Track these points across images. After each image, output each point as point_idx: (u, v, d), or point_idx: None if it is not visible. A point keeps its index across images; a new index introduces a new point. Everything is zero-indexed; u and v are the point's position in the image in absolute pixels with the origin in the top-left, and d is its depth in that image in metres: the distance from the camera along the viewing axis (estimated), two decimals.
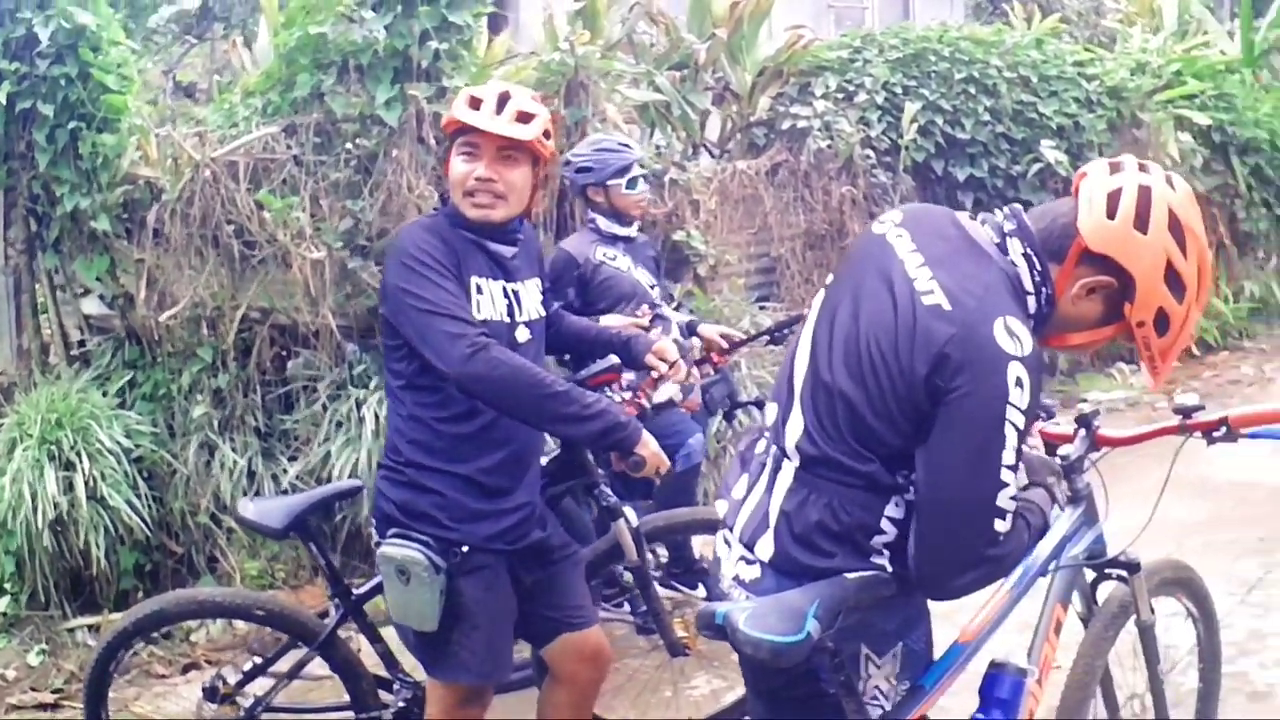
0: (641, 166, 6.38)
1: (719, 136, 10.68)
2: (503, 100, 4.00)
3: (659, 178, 8.65)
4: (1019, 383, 2.81)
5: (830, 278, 3.26)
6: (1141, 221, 2.94)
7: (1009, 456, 2.84)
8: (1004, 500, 2.88)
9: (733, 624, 2.88)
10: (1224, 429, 3.80)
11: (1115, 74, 12.37)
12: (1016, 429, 2.83)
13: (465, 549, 4.01)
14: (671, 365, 4.75)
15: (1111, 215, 2.94)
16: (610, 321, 5.92)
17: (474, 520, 4.03)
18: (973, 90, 11.04)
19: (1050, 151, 11.05)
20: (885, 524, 3.03)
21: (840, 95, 10.59)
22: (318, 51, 7.10)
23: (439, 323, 3.82)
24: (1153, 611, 4.04)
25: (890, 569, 3.04)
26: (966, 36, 11.67)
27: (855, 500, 3.01)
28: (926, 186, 10.93)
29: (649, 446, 4.07)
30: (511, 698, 4.82)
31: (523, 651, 4.62)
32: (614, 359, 4.77)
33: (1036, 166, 11.18)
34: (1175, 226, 2.97)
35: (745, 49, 10.40)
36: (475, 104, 3.99)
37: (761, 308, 9.11)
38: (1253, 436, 3.83)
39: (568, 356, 5.77)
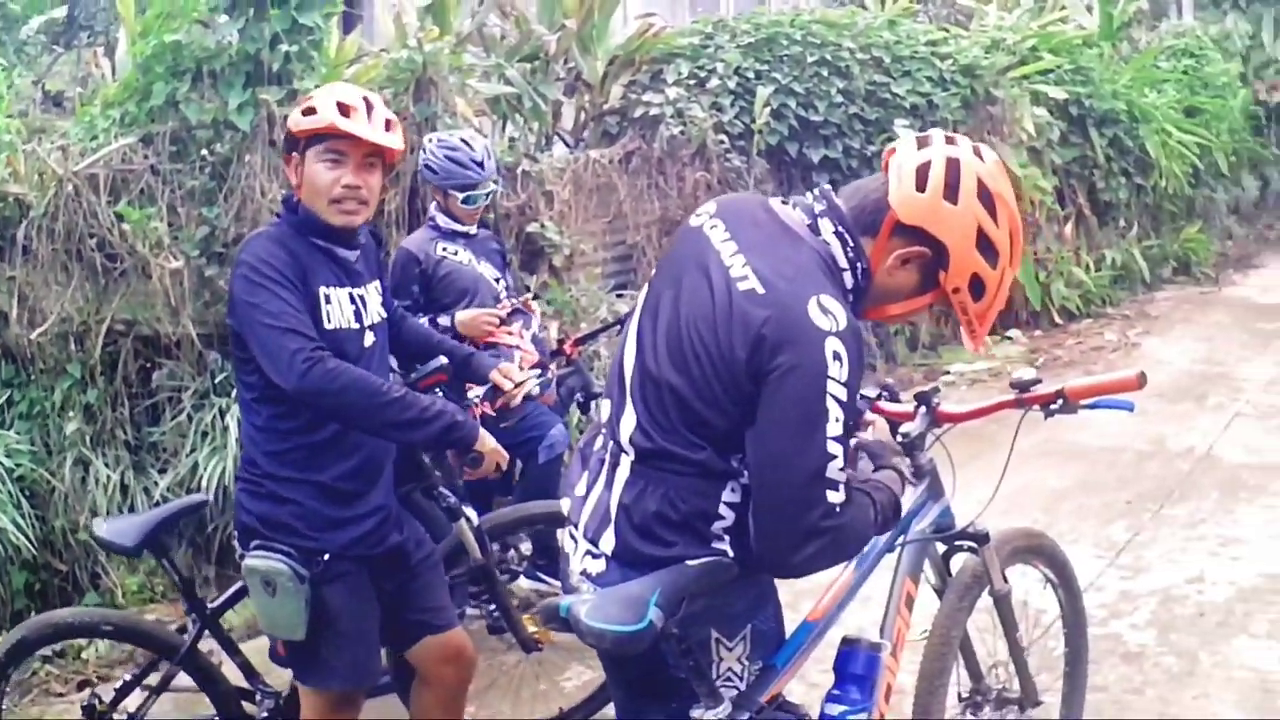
0: (495, 183, 6.33)
1: (572, 126, 10.61)
2: (369, 107, 3.97)
3: (512, 170, 8.57)
4: (836, 356, 2.85)
5: (654, 273, 3.30)
6: (951, 192, 3.02)
7: (834, 429, 2.86)
8: (834, 471, 2.89)
9: (575, 616, 2.90)
10: (1061, 401, 3.86)
11: (969, 52, 12.49)
12: (839, 401, 2.86)
13: (327, 557, 3.98)
14: (517, 385, 4.86)
15: (921, 188, 3.03)
16: (465, 316, 5.96)
17: (334, 528, 4.00)
18: (825, 73, 11.03)
19: (904, 131, 11.04)
20: (723, 509, 3.04)
21: (692, 81, 10.54)
22: (173, 59, 7.05)
23: (276, 336, 3.79)
24: (1006, 580, 4.08)
25: (731, 553, 3.05)
26: (819, 20, 11.69)
27: (691, 488, 3.02)
28: (781, 169, 10.94)
29: (487, 444, 4.11)
30: (375, 702, 4.73)
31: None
32: (443, 360, 4.78)
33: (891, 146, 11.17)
34: (985, 195, 3.05)
35: (596, 38, 10.36)
36: (346, 111, 3.94)
37: (619, 295, 9.07)
38: (1091, 407, 3.90)
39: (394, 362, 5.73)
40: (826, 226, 3.07)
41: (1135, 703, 5.47)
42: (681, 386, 2.99)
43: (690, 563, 2.99)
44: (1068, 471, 8.52)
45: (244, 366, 3.99)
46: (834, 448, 2.87)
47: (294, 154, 4.01)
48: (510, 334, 5.97)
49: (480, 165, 6.14)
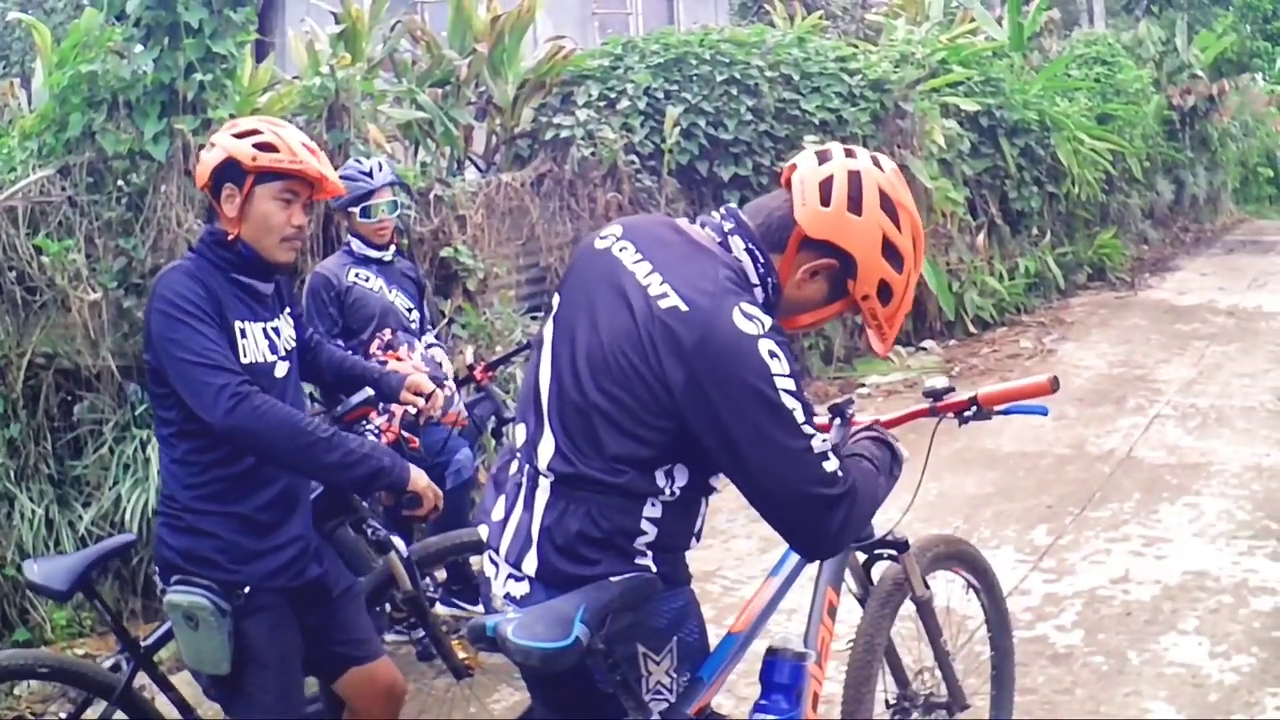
0: (395, 191, 6.28)
1: (483, 150, 10.56)
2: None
3: (424, 195, 8.53)
4: (772, 354, 2.91)
5: (557, 298, 3.30)
6: (855, 204, 3.08)
7: (800, 415, 2.93)
8: (819, 445, 2.97)
9: (502, 635, 2.88)
10: (974, 408, 3.89)
11: (878, 67, 12.52)
12: (791, 393, 2.92)
13: (247, 590, 3.93)
14: (428, 397, 4.78)
15: (826, 203, 3.08)
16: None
17: (253, 560, 3.95)
18: (735, 91, 11.03)
19: (814, 147, 11.03)
20: (645, 525, 3.05)
21: (602, 103, 10.52)
22: (89, 89, 6.98)
23: (201, 373, 3.74)
24: (928, 587, 4.10)
25: (655, 568, 3.07)
26: (728, 39, 11.68)
27: (613, 506, 3.04)
28: (692, 187, 10.94)
29: (419, 483, 4.06)
30: None
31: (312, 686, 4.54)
32: (368, 392, 4.72)
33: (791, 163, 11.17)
34: (887, 204, 3.12)
35: (507, 62, 10.31)
36: (314, 154, 3.97)
37: (534, 318, 9.02)
38: (1005, 413, 3.93)
39: (316, 394, 5.65)
40: (737, 244, 3.11)
41: (1066, 703, 5.49)
42: (610, 410, 3.00)
43: (614, 579, 2.99)
44: (987, 478, 8.56)
45: (162, 401, 3.94)
46: (808, 429, 2.94)
47: (231, 185, 3.91)
48: (399, 359, 5.90)
49: (368, 174, 6.14)
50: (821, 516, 2.97)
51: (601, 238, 3.24)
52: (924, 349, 12.65)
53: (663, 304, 2.97)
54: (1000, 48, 15.23)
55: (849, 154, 3.17)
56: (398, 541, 4.65)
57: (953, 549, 4.38)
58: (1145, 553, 7.15)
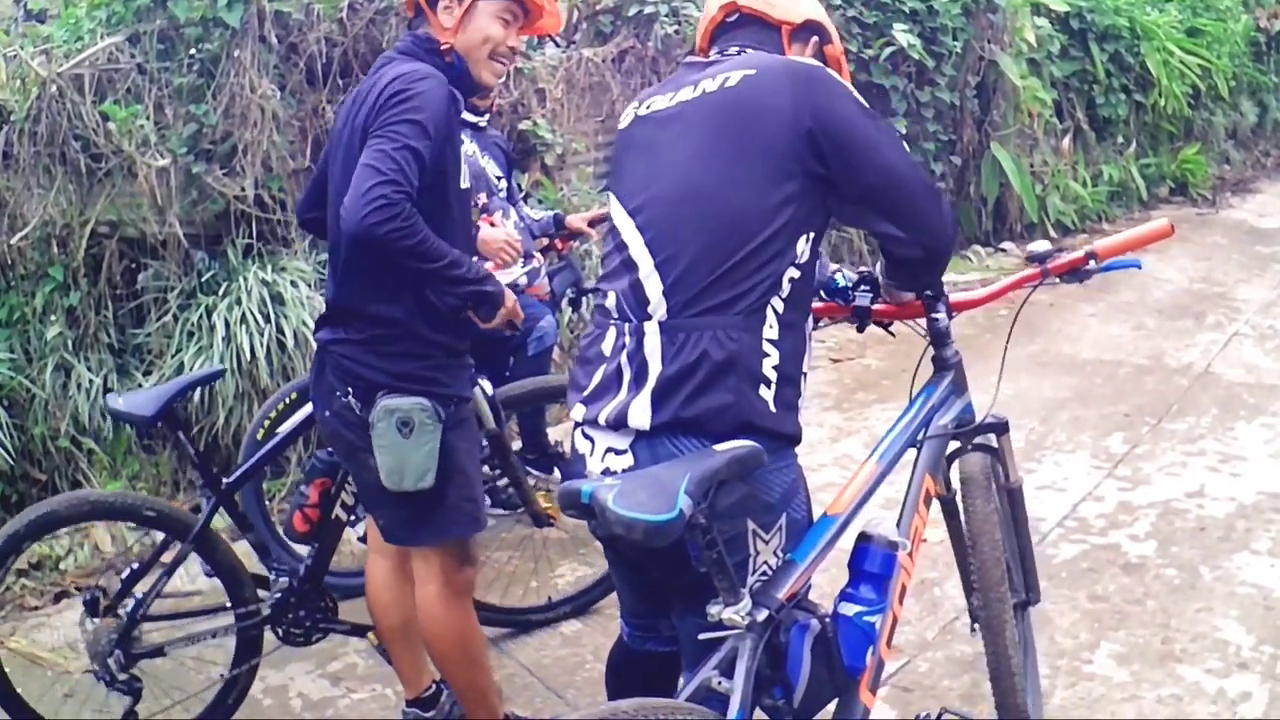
0: None
1: (565, 25, 10.36)
2: None
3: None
4: (838, 80, 3.20)
5: (609, 172, 3.50)
6: None
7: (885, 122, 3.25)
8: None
9: (601, 503, 2.62)
10: (1092, 261, 3.73)
11: None
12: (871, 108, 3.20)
13: (457, 401, 4.01)
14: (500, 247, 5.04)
15: None
16: (486, 235, 5.79)
17: (458, 375, 4.05)
18: None
19: (903, 35, 10.95)
20: (767, 346, 3.01)
21: None
22: None
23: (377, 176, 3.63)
24: (1019, 474, 4.01)
25: (775, 408, 3.00)
26: None
27: (735, 325, 2.99)
28: None
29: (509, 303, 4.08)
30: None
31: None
32: None
33: (889, 50, 11.05)
34: None
35: None
36: None
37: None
38: (1106, 269, 3.78)
39: None
40: (749, 51, 3.32)
41: (1137, 614, 5.41)
42: (723, 212, 3.03)
43: (718, 448, 2.82)
44: (1064, 383, 8.50)
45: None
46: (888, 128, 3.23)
47: None
48: (493, 224, 5.81)
49: None
50: (937, 207, 3.19)
51: (624, 118, 3.39)
52: (1003, 250, 12.55)
53: (730, 83, 3.12)
54: None
55: None
56: (483, 380, 4.65)
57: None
58: (1221, 469, 7.03)
